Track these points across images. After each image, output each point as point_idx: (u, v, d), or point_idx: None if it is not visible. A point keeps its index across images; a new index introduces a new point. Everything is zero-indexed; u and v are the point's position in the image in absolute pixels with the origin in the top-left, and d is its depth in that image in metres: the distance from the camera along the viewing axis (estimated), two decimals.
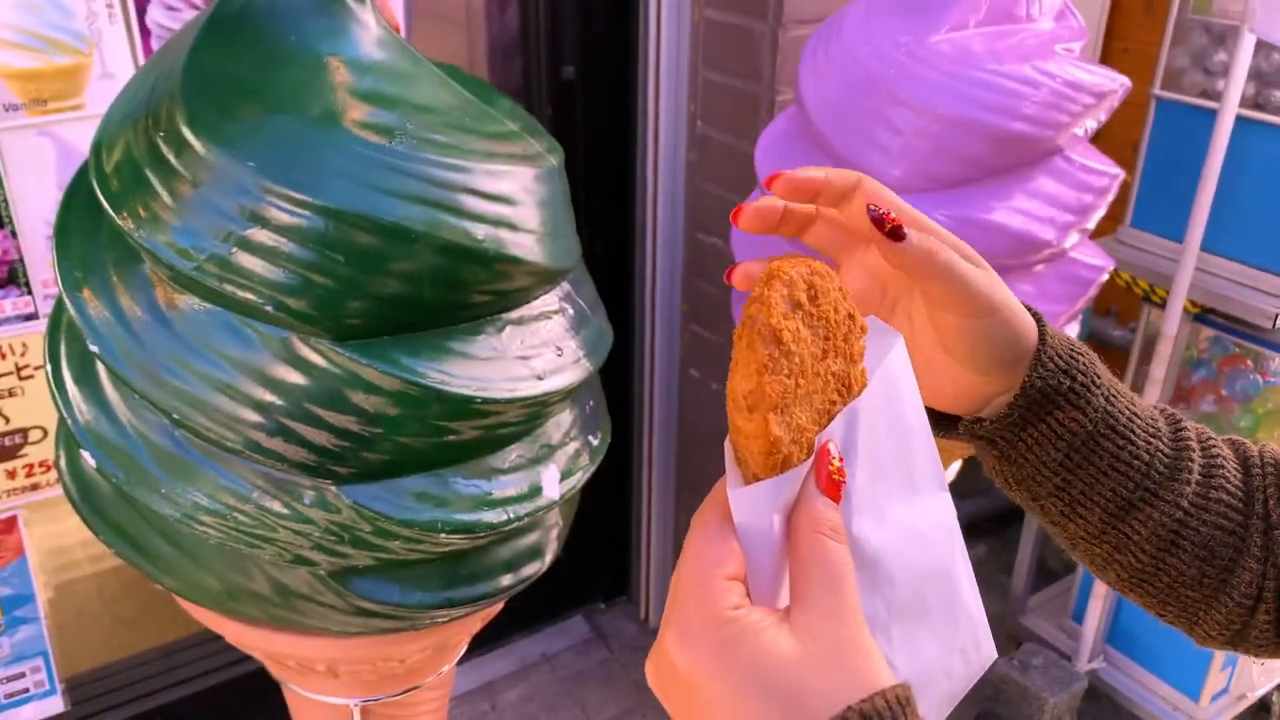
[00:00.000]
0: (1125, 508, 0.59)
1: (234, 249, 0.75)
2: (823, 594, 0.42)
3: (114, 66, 1.33)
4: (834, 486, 0.45)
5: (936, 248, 0.52)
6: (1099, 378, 0.59)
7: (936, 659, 0.50)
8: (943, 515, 0.52)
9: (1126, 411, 0.59)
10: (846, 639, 0.41)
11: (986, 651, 0.53)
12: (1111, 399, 0.59)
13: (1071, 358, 0.57)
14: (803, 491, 0.45)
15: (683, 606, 0.43)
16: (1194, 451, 0.61)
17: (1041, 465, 0.59)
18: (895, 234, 0.52)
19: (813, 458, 0.45)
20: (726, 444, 0.47)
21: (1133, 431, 0.59)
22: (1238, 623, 0.62)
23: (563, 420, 0.94)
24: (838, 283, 0.48)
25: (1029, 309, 0.58)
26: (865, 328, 0.49)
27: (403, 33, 1.55)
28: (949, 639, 0.51)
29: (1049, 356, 0.56)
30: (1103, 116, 1.24)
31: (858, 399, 0.48)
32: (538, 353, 0.86)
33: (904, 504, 0.50)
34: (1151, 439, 0.59)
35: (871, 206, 0.52)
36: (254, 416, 0.78)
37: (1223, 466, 0.61)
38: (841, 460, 0.46)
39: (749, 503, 0.44)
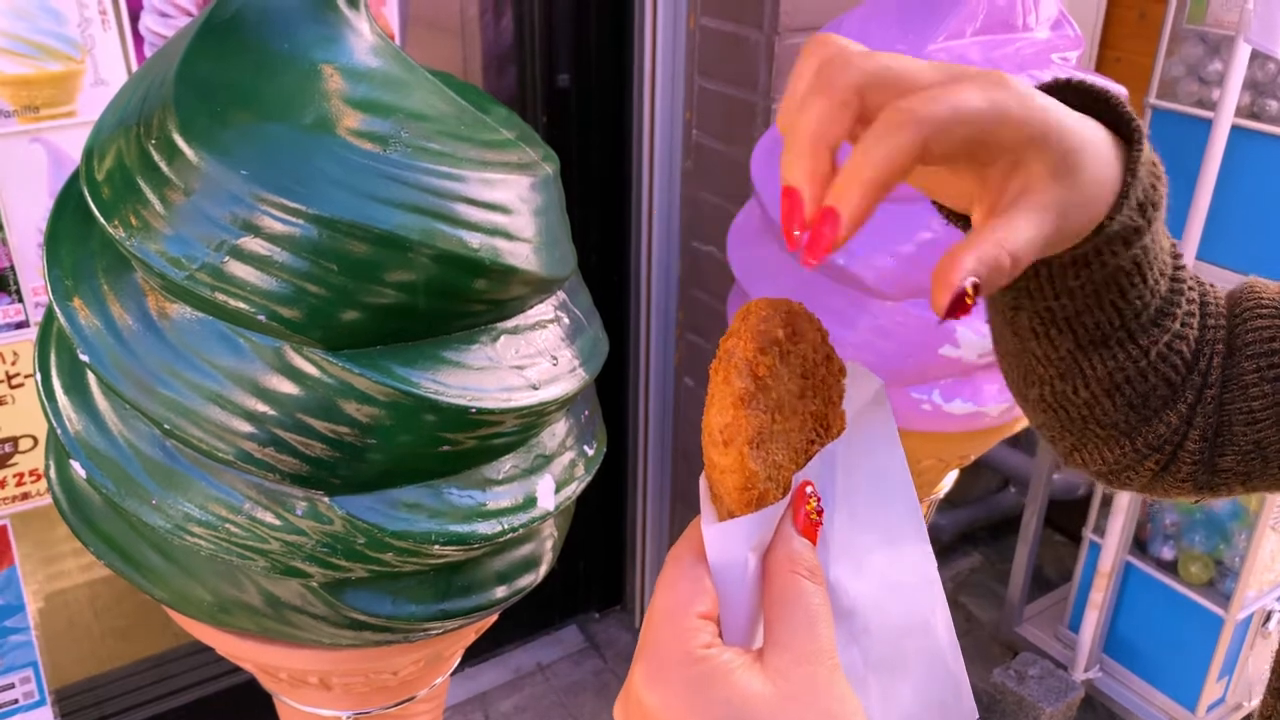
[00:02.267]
0: (1099, 341, 0.55)
1: (226, 258, 0.74)
2: (797, 635, 0.41)
3: (107, 73, 1.32)
4: (811, 528, 0.44)
5: (1018, 253, 0.42)
6: (1161, 212, 0.51)
7: (915, 714, 0.49)
8: (923, 566, 0.50)
9: (1156, 249, 0.52)
10: (821, 681, 0.40)
11: (967, 707, 0.52)
12: (1156, 235, 0.51)
13: (1152, 186, 0.49)
14: (779, 530, 0.43)
15: (653, 644, 0.41)
16: (1184, 295, 0.56)
17: (1045, 285, 0.52)
18: (976, 290, 0.41)
19: (789, 497, 0.44)
20: (701, 480, 0.46)
21: (1150, 270, 0.53)
22: (1121, 464, 0.60)
23: (558, 430, 0.93)
24: (817, 324, 0.47)
25: (1127, 119, 0.48)
26: (844, 370, 0.48)
27: (397, 40, 1.55)
28: (927, 693, 0.50)
29: (1135, 193, 0.47)
30: None
31: (836, 441, 0.47)
32: (533, 362, 0.85)
33: (882, 553, 0.49)
34: (1159, 279, 0.54)
35: (948, 301, 0.41)
36: (246, 427, 0.77)
37: (1194, 315, 0.57)
38: (819, 501, 0.44)
39: (723, 540, 0.43)
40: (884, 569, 0.48)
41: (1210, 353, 0.58)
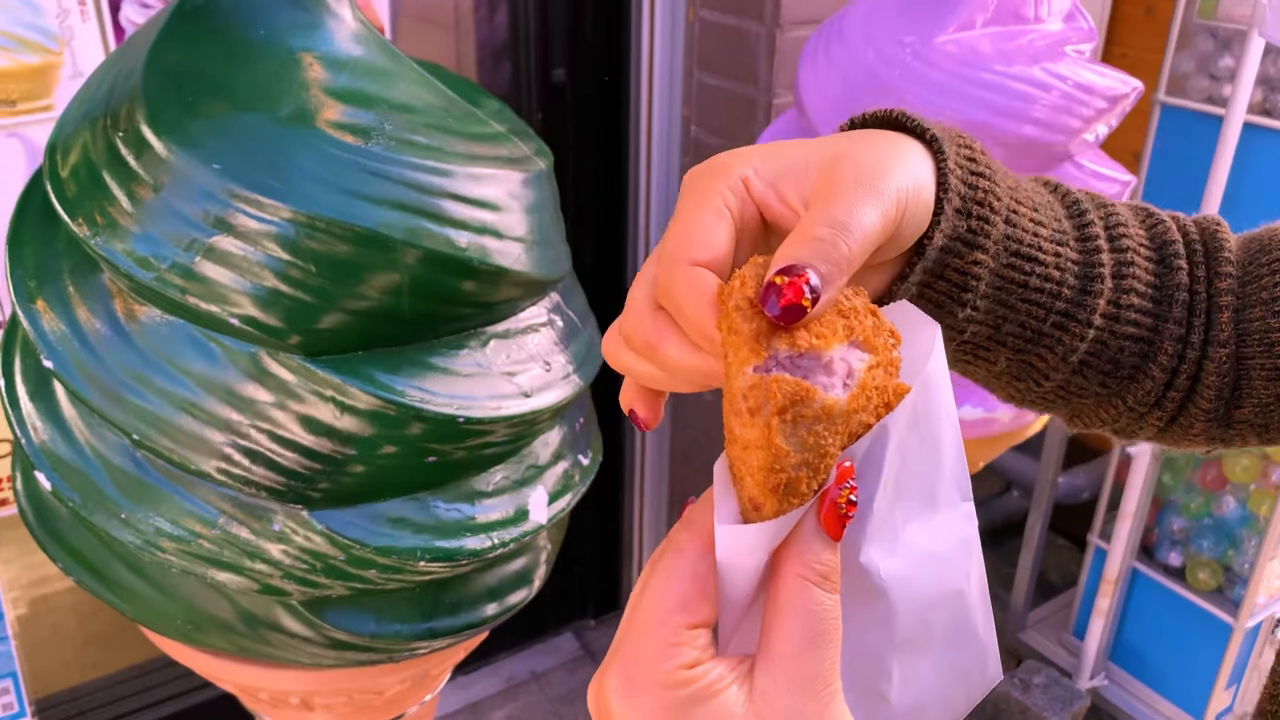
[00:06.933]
0: (1034, 339, 0.51)
1: (197, 257, 0.70)
2: (795, 654, 0.36)
3: (85, 66, 1.28)
4: (837, 522, 0.37)
5: (846, 261, 0.38)
6: (997, 199, 0.47)
7: (935, 690, 0.44)
8: (962, 529, 0.44)
9: (1030, 226, 0.49)
10: (809, 715, 0.35)
11: (992, 673, 0.47)
12: (1011, 216, 0.48)
13: (971, 186, 0.46)
14: (800, 523, 0.37)
15: (634, 648, 0.36)
16: (1103, 251, 0.51)
17: (946, 328, 0.49)
18: (814, 294, 0.37)
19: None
20: (719, 463, 0.39)
21: (1040, 249, 0.49)
22: (1121, 422, 0.56)
23: (551, 439, 0.89)
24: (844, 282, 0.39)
25: (924, 132, 0.46)
26: (897, 335, 0.40)
27: (387, 34, 1.51)
28: (951, 665, 0.45)
29: (950, 201, 0.45)
30: (1114, 121, 1.19)
31: (893, 414, 0.39)
32: (525, 368, 0.81)
33: (920, 523, 0.42)
34: (1060, 249, 0.50)
35: (772, 304, 0.37)
36: (220, 437, 0.73)
37: (1132, 263, 0.52)
38: (855, 493, 0.37)
39: (738, 541, 0.36)
40: (920, 539, 0.42)
41: (1206, 307, 0.53)
